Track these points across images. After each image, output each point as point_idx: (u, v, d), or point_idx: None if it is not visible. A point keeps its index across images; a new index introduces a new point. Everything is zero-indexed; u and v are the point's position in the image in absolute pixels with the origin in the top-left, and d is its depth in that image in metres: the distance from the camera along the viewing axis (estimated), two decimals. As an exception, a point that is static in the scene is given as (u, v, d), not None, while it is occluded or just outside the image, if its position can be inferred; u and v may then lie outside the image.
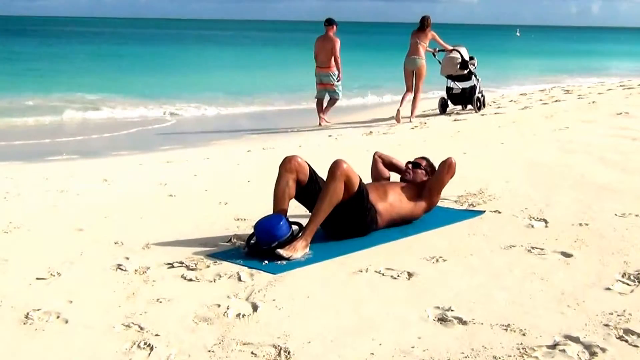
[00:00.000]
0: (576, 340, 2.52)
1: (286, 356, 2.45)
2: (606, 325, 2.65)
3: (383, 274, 3.29)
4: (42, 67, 23.69)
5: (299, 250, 3.55)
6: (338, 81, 10.62)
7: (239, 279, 3.25)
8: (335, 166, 3.67)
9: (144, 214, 4.59)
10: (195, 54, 34.51)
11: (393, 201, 4.02)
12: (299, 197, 3.89)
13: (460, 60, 10.87)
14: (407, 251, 3.65)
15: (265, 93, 16.61)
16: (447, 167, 4.16)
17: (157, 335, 2.65)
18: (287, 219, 3.68)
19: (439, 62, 11.13)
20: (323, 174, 3.82)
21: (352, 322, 2.74)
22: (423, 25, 10.60)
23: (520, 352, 2.45)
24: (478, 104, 10.96)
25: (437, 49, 11.02)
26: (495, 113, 10.55)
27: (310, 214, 3.78)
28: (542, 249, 3.60)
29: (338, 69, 10.54)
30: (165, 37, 59.27)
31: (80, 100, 14.94)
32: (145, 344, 2.57)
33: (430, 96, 13.93)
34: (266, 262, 3.46)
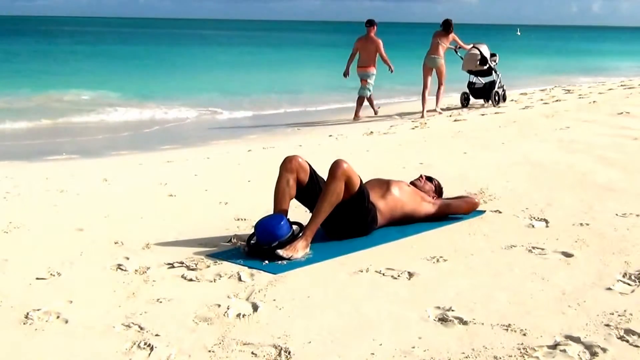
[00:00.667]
0: (577, 340, 2.52)
1: (286, 356, 2.45)
2: (607, 325, 2.65)
3: (383, 274, 3.28)
4: (42, 67, 23.69)
5: (300, 250, 3.55)
6: (391, 72, 11.24)
7: (240, 279, 3.24)
8: (335, 166, 3.66)
9: (144, 214, 4.59)
10: (196, 53, 34.50)
11: (394, 199, 4.02)
12: (300, 197, 3.89)
13: (480, 56, 11.63)
14: (407, 251, 3.65)
15: (265, 93, 16.61)
16: (470, 206, 4.25)
17: (157, 335, 2.64)
18: (287, 219, 3.67)
19: (461, 58, 12.00)
20: (324, 173, 3.81)
21: (353, 322, 2.73)
22: (447, 28, 11.38)
23: (521, 352, 2.44)
24: (496, 97, 11.73)
25: (458, 46, 11.78)
26: (496, 113, 10.56)
27: (310, 213, 3.78)
28: (542, 249, 3.60)
29: (389, 65, 11.21)
30: (165, 37, 59.27)
31: (80, 100, 14.97)
32: (145, 344, 2.56)
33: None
34: (266, 262, 3.46)
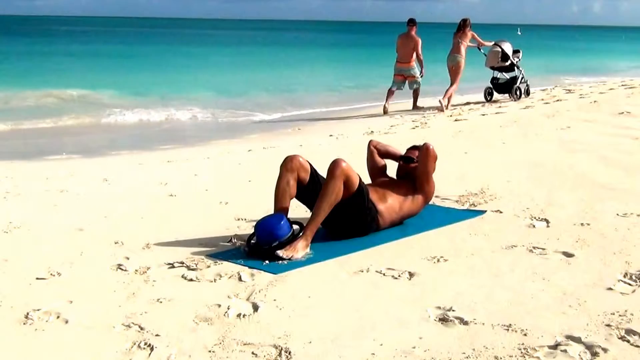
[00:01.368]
0: (578, 340, 2.51)
1: (287, 356, 2.45)
2: (608, 325, 2.64)
3: (384, 274, 3.28)
4: (42, 66, 23.68)
5: (300, 250, 3.54)
6: (421, 75, 12.01)
7: (240, 279, 3.24)
8: (334, 165, 3.66)
9: (144, 214, 4.59)
10: (196, 53, 34.49)
11: (393, 202, 4.01)
12: (300, 197, 3.88)
13: (501, 53, 12.17)
14: (408, 251, 3.64)
15: (265, 92, 16.60)
16: (426, 153, 4.15)
17: (157, 335, 2.64)
18: (287, 219, 3.67)
19: (485, 55, 12.54)
20: (324, 173, 3.81)
21: (353, 322, 2.73)
22: (464, 27, 12.07)
23: (521, 352, 2.44)
24: (518, 93, 12.20)
25: (479, 44, 12.36)
26: (497, 112, 10.54)
27: (311, 213, 3.77)
28: (543, 249, 3.59)
29: (421, 65, 11.91)
30: (165, 37, 59.25)
31: (80, 99, 14.95)
32: (145, 344, 2.56)
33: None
34: (267, 261, 3.46)
